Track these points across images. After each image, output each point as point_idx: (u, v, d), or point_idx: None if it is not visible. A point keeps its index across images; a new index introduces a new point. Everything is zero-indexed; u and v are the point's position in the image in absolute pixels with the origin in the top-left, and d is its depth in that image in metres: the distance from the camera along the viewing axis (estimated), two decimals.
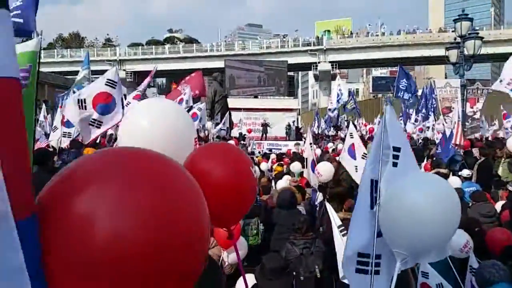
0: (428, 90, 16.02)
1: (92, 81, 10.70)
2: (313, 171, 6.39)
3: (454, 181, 6.66)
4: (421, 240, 2.07)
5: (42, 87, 27.57)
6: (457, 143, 9.55)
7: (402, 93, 14.19)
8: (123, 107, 7.38)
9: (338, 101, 21.65)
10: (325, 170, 6.21)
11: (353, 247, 2.30)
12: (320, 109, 34.42)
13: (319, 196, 6.08)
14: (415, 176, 2.26)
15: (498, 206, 5.88)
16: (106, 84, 7.34)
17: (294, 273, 3.40)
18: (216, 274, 1.31)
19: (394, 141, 2.24)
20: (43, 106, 13.23)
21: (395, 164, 2.22)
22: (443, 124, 13.25)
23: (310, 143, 6.79)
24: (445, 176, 7.18)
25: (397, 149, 2.23)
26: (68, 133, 8.88)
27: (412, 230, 2.05)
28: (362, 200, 2.30)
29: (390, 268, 2.23)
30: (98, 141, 9.55)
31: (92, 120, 7.29)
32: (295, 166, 9.54)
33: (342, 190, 5.50)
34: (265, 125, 26.61)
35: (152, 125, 2.25)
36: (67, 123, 8.77)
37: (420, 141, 15.25)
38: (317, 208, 6.05)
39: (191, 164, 1.94)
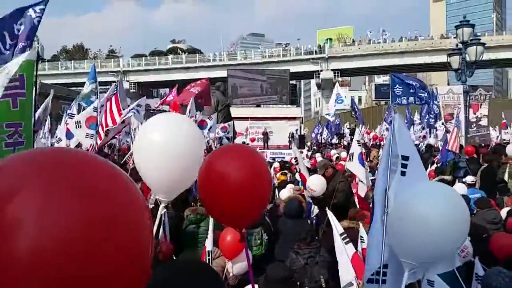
0: (431, 98, 16.03)
1: (101, 92, 10.87)
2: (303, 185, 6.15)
3: (460, 188, 6.63)
4: (429, 250, 2.05)
5: (45, 98, 27.67)
6: (449, 148, 9.57)
7: (400, 99, 14.26)
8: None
9: (336, 102, 21.55)
10: (317, 184, 5.91)
11: (373, 258, 2.30)
12: (323, 117, 34.42)
13: (315, 209, 5.85)
14: (424, 186, 2.25)
15: (504, 212, 5.84)
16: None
17: (299, 283, 3.38)
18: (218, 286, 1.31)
19: (403, 149, 2.24)
20: (48, 118, 13.26)
21: (403, 173, 2.22)
22: (446, 131, 13.27)
23: (295, 158, 6.58)
24: (449, 183, 7.16)
25: (405, 157, 2.23)
26: (68, 145, 8.99)
27: (420, 240, 2.04)
28: (377, 210, 2.30)
29: (397, 278, 2.22)
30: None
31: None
32: None
33: (338, 202, 5.41)
34: (265, 134, 26.62)
35: (165, 140, 2.35)
36: (67, 134, 8.86)
37: (423, 148, 15.21)
38: (314, 221, 5.79)
39: (209, 164, 2.02)
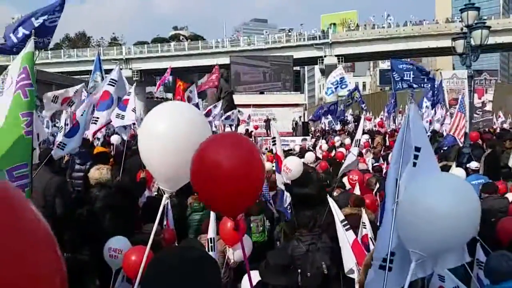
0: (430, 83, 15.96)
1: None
2: (277, 170, 5.55)
3: (457, 173, 6.58)
4: (437, 242, 2.06)
5: (49, 87, 27.78)
6: (451, 133, 9.46)
7: (401, 84, 14.22)
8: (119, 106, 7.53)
9: (339, 85, 21.15)
10: (295, 165, 5.54)
11: (383, 246, 2.30)
12: (326, 104, 34.25)
13: (287, 198, 5.27)
14: (434, 177, 2.24)
15: (508, 197, 5.83)
16: (108, 84, 7.50)
17: (300, 269, 3.40)
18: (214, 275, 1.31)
19: (416, 141, 2.23)
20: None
21: (414, 164, 2.22)
22: (450, 116, 13.23)
23: (273, 139, 5.93)
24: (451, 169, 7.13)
25: (417, 149, 2.23)
26: None
27: (429, 231, 2.04)
28: (388, 200, 2.31)
29: (404, 267, 2.22)
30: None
31: (94, 118, 7.42)
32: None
33: (309, 192, 5.10)
34: (267, 121, 26.54)
35: (170, 128, 2.33)
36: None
37: (428, 133, 15.14)
38: (289, 211, 5.22)
39: (202, 153, 2.00)
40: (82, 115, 6.48)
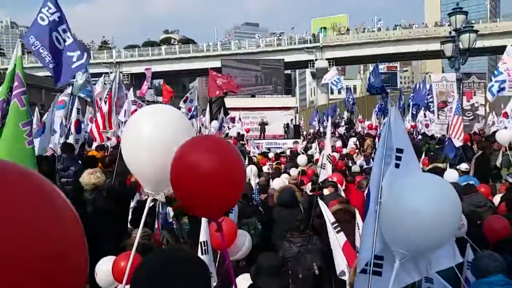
0: (422, 85, 16.19)
1: (94, 84, 10.88)
2: None
3: (451, 175, 6.64)
4: (418, 239, 2.08)
5: (39, 91, 27.49)
6: (452, 136, 9.44)
7: (376, 89, 14.74)
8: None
9: (335, 83, 21.45)
10: None
11: (367, 248, 2.30)
12: (318, 107, 34.44)
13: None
14: (416, 177, 2.27)
15: (497, 199, 5.89)
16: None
17: (291, 271, 3.40)
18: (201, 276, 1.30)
19: (398, 142, 2.26)
20: (36, 110, 13.09)
21: (397, 165, 2.25)
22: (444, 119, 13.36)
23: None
24: (443, 171, 7.18)
25: (400, 150, 2.26)
26: (77, 140, 8.62)
27: (411, 230, 2.06)
28: (371, 201, 2.33)
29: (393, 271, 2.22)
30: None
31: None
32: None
33: None
34: (262, 124, 26.56)
35: (151, 131, 2.32)
36: (78, 129, 8.70)
37: (419, 136, 15.28)
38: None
39: (180, 155, 1.97)
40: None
